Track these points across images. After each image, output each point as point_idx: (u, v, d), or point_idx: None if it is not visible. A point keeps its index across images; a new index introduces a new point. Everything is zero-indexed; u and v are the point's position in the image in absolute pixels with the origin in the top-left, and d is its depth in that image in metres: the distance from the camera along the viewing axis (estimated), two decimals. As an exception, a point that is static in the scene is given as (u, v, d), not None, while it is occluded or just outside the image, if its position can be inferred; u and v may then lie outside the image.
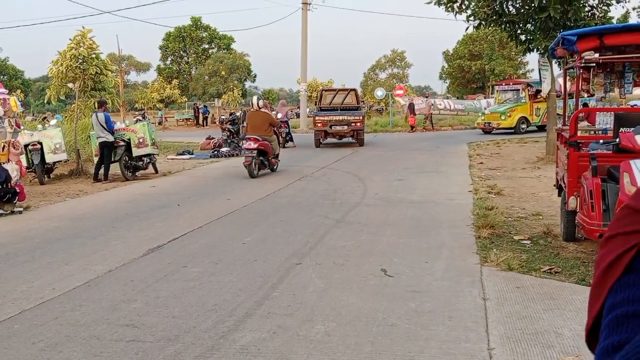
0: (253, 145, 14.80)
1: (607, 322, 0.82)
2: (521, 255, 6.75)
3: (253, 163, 14.74)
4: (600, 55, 7.59)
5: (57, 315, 5.49)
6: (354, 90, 27.47)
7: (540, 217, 8.83)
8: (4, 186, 11.48)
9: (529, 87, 28.24)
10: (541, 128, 25.30)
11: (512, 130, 26.92)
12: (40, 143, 15.77)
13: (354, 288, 5.91)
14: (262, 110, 16.53)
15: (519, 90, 29.01)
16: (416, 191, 11.79)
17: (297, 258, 7.12)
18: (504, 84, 32.34)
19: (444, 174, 14.25)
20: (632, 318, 0.78)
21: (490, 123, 27.71)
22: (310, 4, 32.98)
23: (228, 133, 23.67)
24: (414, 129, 32.52)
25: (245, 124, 22.27)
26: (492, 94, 54.85)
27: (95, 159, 16.09)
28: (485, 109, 33.21)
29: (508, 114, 27.07)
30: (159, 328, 5.02)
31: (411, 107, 33.10)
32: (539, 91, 25.13)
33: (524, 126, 27.99)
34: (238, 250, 7.71)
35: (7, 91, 13.63)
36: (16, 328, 5.21)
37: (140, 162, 16.22)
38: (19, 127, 14.51)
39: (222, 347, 4.56)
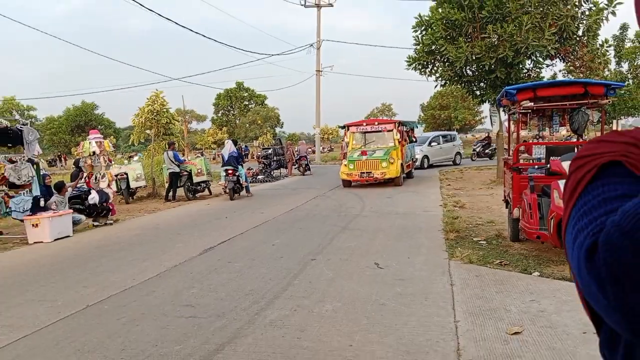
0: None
1: (575, 215, 0.70)
2: (479, 252, 6.66)
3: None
4: (534, 104, 7.56)
5: (136, 298, 5.47)
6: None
7: (493, 224, 8.72)
8: (104, 205, 11.57)
9: (401, 127, 18.03)
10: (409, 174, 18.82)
11: (395, 180, 16.41)
12: (126, 173, 15.89)
13: (354, 277, 5.85)
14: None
15: (392, 131, 17.24)
16: (401, 206, 11.70)
17: (312, 255, 7.06)
18: (365, 124, 18.17)
19: (422, 193, 14.14)
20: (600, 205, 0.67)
21: (370, 173, 16.05)
22: (322, 71, 33.17)
23: (263, 165, 23.72)
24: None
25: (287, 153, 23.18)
26: (459, 133, 54.73)
27: (166, 185, 16.17)
28: (360, 155, 17.04)
29: (391, 160, 16.09)
30: (210, 307, 4.98)
31: None
32: (410, 130, 20.48)
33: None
34: (269, 250, 7.67)
35: (102, 136, 13.76)
36: (106, 308, 5.19)
37: (199, 187, 16.26)
38: (111, 162, 14.62)
39: (256, 321, 4.51)
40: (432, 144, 25.83)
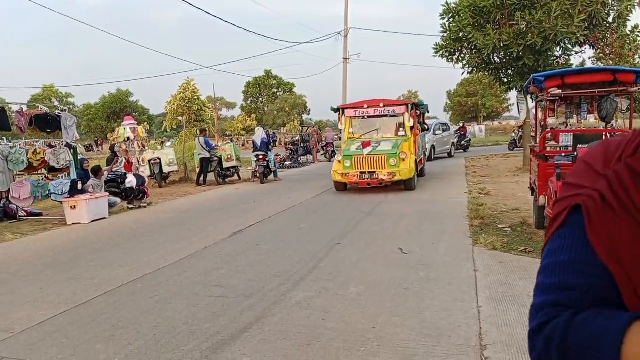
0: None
1: (541, 268, 0.83)
2: (503, 239, 6.57)
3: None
4: (562, 91, 7.37)
5: (168, 278, 5.58)
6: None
7: (519, 211, 8.58)
8: (140, 188, 11.81)
9: (415, 110, 13.45)
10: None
11: (406, 183, 11.89)
12: (159, 158, 16.15)
13: (378, 261, 5.85)
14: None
15: (403, 115, 12.66)
16: (425, 193, 11.61)
17: (337, 239, 7.08)
18: (365, 107, 12.97)
19: (446, 180, 13.99)
20: (555, 268, 0.80)
21: (374, 174, 11.58)
22: (349, 58, 32.96)
23: (290, 152, 23.79)
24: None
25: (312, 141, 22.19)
26: (484, 122, 53.58)
27: (197, 170, 16.39)
28: (360, 147, 12.18)
29: (402, 156, 11.65)
30: (238, 288, 5.06)
31: None
32: (422, 116, 15.06)
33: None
34: (295, 233, 7.72)
35: (136, 122, 14.00)
36: (139, 286, 5.32)
37: (229, 172, 16.43)
38: (145, 148, 14.88)
39: (283, 302, 4.56)
40: (437, 132, 22.41)
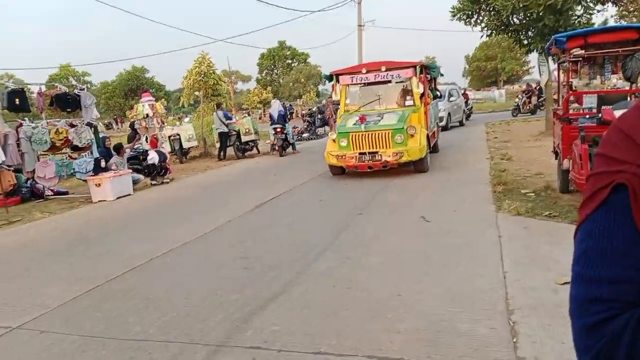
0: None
1: (580, 252, 0.75)
2: (527, 204, 6.50)
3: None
4: (585, 51, 7.17)
5: (195, 251, 5.69)
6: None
7: (542, 176, 8.46)
8: (162, 164, 11.96)
9: (425, 74, 11.18)
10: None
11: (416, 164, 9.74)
12: (179, 134, 16.28)
13: (400, 231, 5.86)
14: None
15: (411, 80, 10.56)
16: (446, 160, 11.51)
17: (359, 210, 7.10)
18: (364, 71, 10.68)
19: (467, 147, 13.84)
20: (596, 253, 0.72)
21: (376, 155, 9.45)
22: (363, 26, 32.37)
23: (307, 123, 23.71)
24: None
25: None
26: (504, 86, 52.38)
27: (217, 145, 16.48)
28: (357, 122, 9.78)
29: (410, 131, 9.52)
30: (263, 259, 5.13)
31: None
32: (433, 80, 12.92)
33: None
34: (316, 205, 7.76)
35: (154, 99, 14.05)
36: (168, 260, 5.44)
37: (247, 146, 16.48)
38: (164, 124, 14.98)
39: (307, 272, 4.62)
40: (452, 98, 20.29)
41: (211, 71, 19.50)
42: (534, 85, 25.88)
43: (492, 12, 14.58)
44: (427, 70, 11.45)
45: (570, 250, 0.79)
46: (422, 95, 10.64)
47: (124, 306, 4.17)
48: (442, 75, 13.69)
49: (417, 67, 10.40)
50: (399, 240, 5.45)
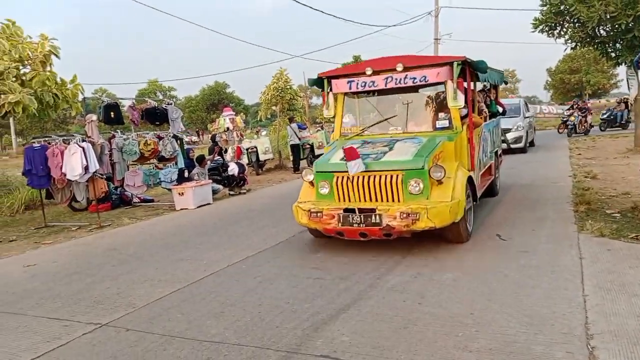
0: None
1: None
2: (612, 225, 6.13)
3: None
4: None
5: (269, 260, 5.86)
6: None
7: (629, 196, 7.94)
8: (241, 175, 12.45)
9: (467, 77, 6.51)
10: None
11: (446, 232, 5.76)
12: (256, 147, 16.81)
13: (475, 248, 5.72)
14: None
15: (443, 84, 6.29)
16: (525, 176, 11.07)
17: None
18: (369, 72, 6.45)
19: (548, 163, 13.24)
20: None
21: (373, 215, 5.41)
22: (440, 39, 31.95)
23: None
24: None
25: None
26: (590, 99, 49.31)
27: (291, 158, 16.85)
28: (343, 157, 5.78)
29: (435, 175, 5.47)
30: (334, 270, 5.19)
31: None
32: (492, 90, 9.38)
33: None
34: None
35: (234, 113, 14.64)
36: (244, 267, 5.64)
37: (321, 159, 16.69)
38: (242, 137, 15.55)
39: (378, 285, 4.62)
40: (528, 113, 17.59)
41: (288, 86, 20.05)
42: (622, 99, 24.19)
43: (577, 24, 13.92)
44: (473, 71, 6.87)
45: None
46: (466, 112, 6.79)
47: (202, 309, 4.38)
48: (505, 83, 10.37)
49: (455, 64, 6.18)
50: (473, 257, 5.32)
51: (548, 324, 3.53)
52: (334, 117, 7.28)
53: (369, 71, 6.56)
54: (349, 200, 5.77)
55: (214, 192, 11.39)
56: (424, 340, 3.43)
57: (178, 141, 11.85)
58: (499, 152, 9.56)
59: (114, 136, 11.21)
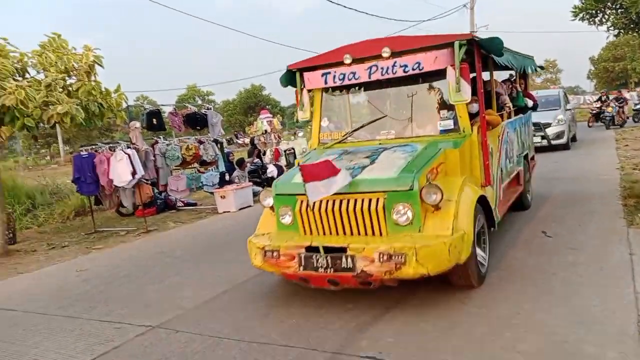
0: None
1: None
2: (663, 219, 5.91)
3: None
4: None
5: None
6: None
7: (681, 187, 7.62)
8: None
9: (480, 55, 4.96)
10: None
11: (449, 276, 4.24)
12: (293, 148, 16.94)
13: (520, 245, 5.61)
14: None
15: (438, 79, 4.82)
16: (570, 170, 10.75)
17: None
18: (349, 60, 5.01)
19: (594, 155, 12.80)
20: None
21: (344, 256, 3.86)
22: (476, 32, 31.32)
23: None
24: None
25: None
26: (636, 87, 47.41)
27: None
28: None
29: (428, 198, 3.89)
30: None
31: None
32: (520, 80, 7.67)
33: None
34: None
35: (272, 115, 14.81)
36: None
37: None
38: (280, 139, 15.71)
39: (420, 286, 4.55)
40: (569, 105, 16.22)
41: (323, 87, 20.11)
42: None
43: (619, 10, 13.40)
44: (483, 52, 5.20)
45: None
46: (477, 108, 5.16)
47: (248, 310, 4.47)
48: (537, 70, 8.45)
49: (457, 44, 4.65)
50: (518, 255, 5.22)
51: (598, 322, 3.44)
52: (310, 120, 5.89)
53: (347, 59, 5.07)
54: (317, 232, 4.26)
55: (255, 194, 11.54)
56: (471, 340, 3.40)
57: (218, 145, 12.07)
58: (531, 155, 8.03)
59: (156, 142, 11.51)
